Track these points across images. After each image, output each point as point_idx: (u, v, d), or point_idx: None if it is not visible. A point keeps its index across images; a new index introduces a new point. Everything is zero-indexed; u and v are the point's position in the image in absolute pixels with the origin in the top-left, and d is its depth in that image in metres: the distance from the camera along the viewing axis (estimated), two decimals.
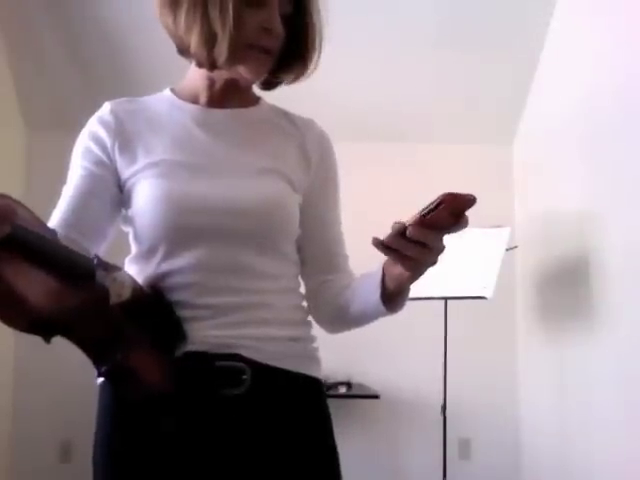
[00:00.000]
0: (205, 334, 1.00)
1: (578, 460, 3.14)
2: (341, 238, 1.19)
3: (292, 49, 1.08)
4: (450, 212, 0.83)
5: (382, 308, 1.01)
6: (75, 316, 0.82)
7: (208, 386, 0.99)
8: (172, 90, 1.16)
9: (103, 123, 1.07)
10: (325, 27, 1.10)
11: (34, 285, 0.76)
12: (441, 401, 3.16)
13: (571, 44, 3.30)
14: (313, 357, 1.10)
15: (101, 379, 1.03)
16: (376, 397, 3.34)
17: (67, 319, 0.80)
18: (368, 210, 3.85)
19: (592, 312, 3.02)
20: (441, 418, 3.15)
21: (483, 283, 2.92)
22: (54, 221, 1.03)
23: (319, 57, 1.09)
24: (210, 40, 1.00)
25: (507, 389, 3.89)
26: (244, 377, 1.00)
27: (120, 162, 1.05)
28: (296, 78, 1.11)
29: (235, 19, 0.99)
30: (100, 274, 0.86)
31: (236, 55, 1.01)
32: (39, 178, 3.82)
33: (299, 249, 1.13)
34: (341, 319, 1.13)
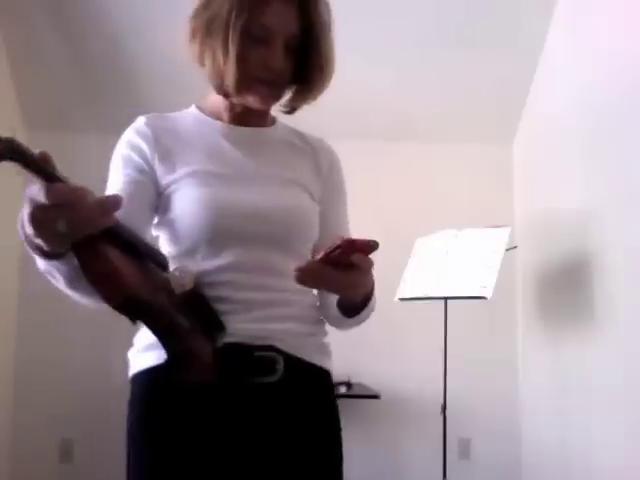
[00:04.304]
0: (241, 327, 1.09)
1: (578, 460, 3.14)
2: None
3: (301, 75, 1.17)
4: (349, 254, 0.90)
5: (340, 315, 1.16)
6: (159, 300, 0.91)
7: (246, 374, 1.08)
8: (197, 107, 1.26)
9: (141, 134, 1.16)
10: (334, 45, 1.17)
11: (128, 269, 0.84)
12: (441, 401, 3.16)
13: (571, 44, 3.30)
14: (326, 351, 1.22)
15: (138, 368, 1.13)
16: (376, 397, 3.34)
17: (152, 301, 0.89)
18: (368, 209, 3.85)
19: (592, 312, 3.02)
20: (441, 418, 3.15)
21: (483, 283, 2.92)
22: None
23: (329, 80, 1.18)
24: (218, 73, 1.12)
25: (507, 389, 3.89)
26: (278, 367, 1.10)
27: (160, 171, 1.14)
28: (305, 100, 1.20)
29: (238, 55, 1.09)
30: (172, 267, 0.96)
31: (243, 87, 1.12)
32: None
33: (313, 252, 1.23)
34: (336, 320, 1.22)
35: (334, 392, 1.24)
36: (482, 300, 2.90)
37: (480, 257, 3.03)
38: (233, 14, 1.08)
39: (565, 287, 3.32)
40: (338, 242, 0.88)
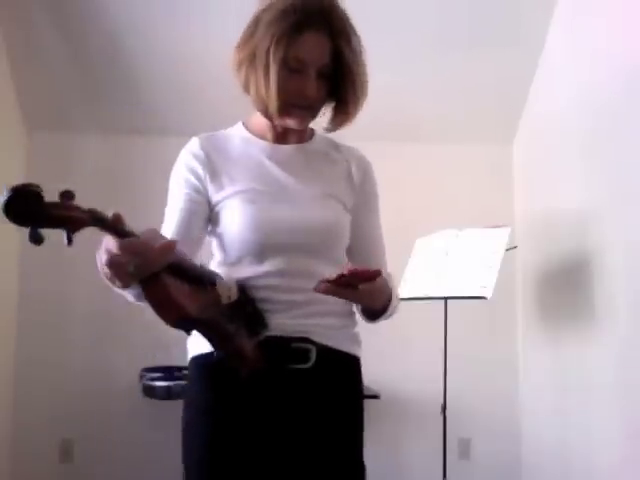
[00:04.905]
0: (282, 322, 1.29)
1: (578, 460, 3.14)
2: (380, 251, 1.49)
3: (337, 97, 1.34)
4: (355, 282, 1.10)
5: (364, 317, 1.38)
6: (209, 313, 1.11)
7: (285, 362, 1.29)
8: (244, 124, 1.42)
9: (196, 157, 1.34)
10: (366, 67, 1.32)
11: (181, 292, 1.04)
12: (441, 401, 3.16)
13: (571, 44, 3.30)
14: (357, 340, 1.41)
15: (195, 354, 1.33)
16: (376, 397, 3.34)
17: (201, 316, 1.08)
18: None
19: (592, 312, 3.02)
20: (441, 418, 3.15)
21: (483, 283, 2.92)
22: (167, 235, 1.27)
23: (363, 100, 1.34)
24: (262, 100, 1.28)
25: (507, 389, 3.89)
26: (310, 355, 1.29)
27: (210, 189, 1.33)
28: (344, 121, 1.38)
29: (278, 84, 1.24)
30: (219, 282, 1.17)
31: (282, 111, 1.28)
32: (39, 178, 3.81)
33: (349, 254, 1.42)
34: (364, 315, 1.42)
35: (360, 374, 1.41)
36: (482, 300, 2.89)
37: (480, 257, 3.03)
38: (272, 48, 1.23)
39: (565, 287, 3.32)
40: (344, 272, 1.06)
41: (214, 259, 1.38)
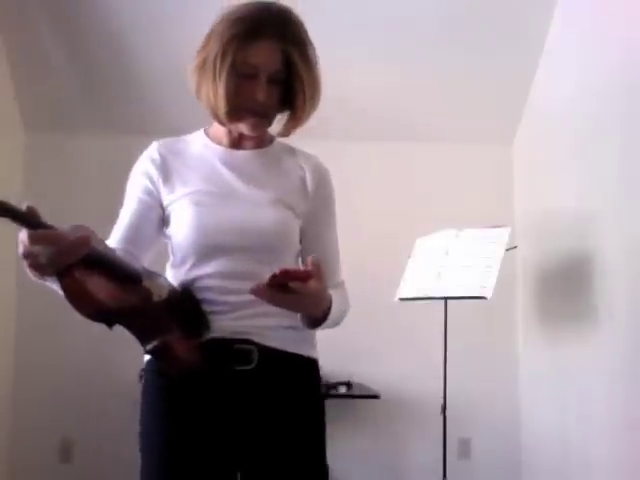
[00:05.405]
0: (226, 324, 1.30)
1: (577, 460, 3.14)
2: (334, 258, 1.45)
3: (289, 103, 1.35)
4: (286, 281, 1.09)
5: (304, 323, 1.30)
6: (128, 309, 1.11)
7: (227, 363, 1.29)
8: (205, 131, 1.45)
9: (152, 161, 1.38)
10: (320, 78, 1.34)
11: (100, 287, 1.05)
12: (441, 401, 3.16)
13: (571, 45, 3.30)
14: (308, 341, 1.39)
15: (147, 358, 1.34)
16: (376, 397, 3.34)
17: (121, 311, 1.10)
18: (368, 209, 3.85)
19: (592, 311, 3.02)
20: (441, 418, 3.15)
21: (483, 283, 2.92)
22: (116, 236, 1.34)
23: (314, 106, 1.35)
24: (210, 105, 1.31)
25: (507, 389, 3.89)
26: (252, 356, 1.30)
27: (163, 192, 1.36)
28: (295, 125, 1.38)
29: (227, 89, 1.28)
30: (145, 280, 1.17)
31: (233, 116, 1.32)
32: (38, 179, 3.82)
33: (302, 260, 1.40)
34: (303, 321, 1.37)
35: (315, 376, 1.40)
36: (482, 300, 2.89)
37: (480, 257, 3.03)
38: (220, 55, 1.26)
39: (565, 287, 3.32)
40: (276, 271, 1.08)
41: (169, 261, 1.40)
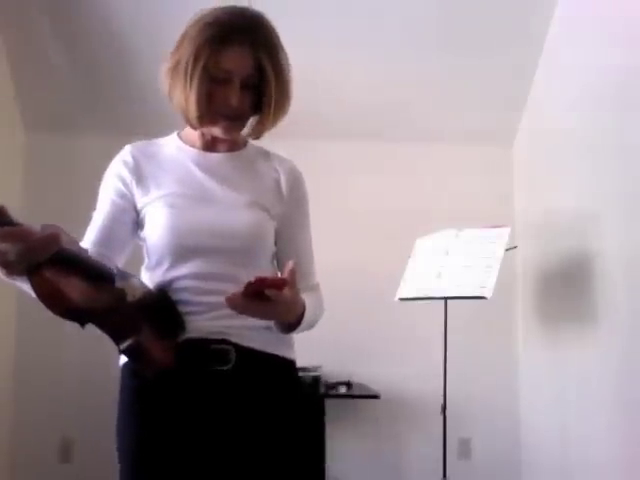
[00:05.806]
0: (202, 324, 1.30)
1: (577, 460, 3.14)
2: (308, 259, 1.46)
3: (260, 106, 1.35)
4: (262, 289, 1.09)
5: (277, 328, 1.30)
6: (100, 309, 1.12)
7: (204, 364, 1.30)
8: (178, 134, 1.46)
9: (125, 164, 1.38)
10: (290, 83, 1.35)
11: (71, 286, 1.06)
12: (441, 401, 3.16)
13: (571, 45, 3.30)
14: (285, 342, 1.38)
15: (122, 361, 1.34)
16: (376, 397, 3.34)
17: (93, 310, 1.11)
18: (368, 209, 3.85)
19: (592, 312, 3.02)
20: (441, 418, 3.15)
21: (483, 283, 2.92)
22: (89, 238, 1.34)
23: (284, 110, 1.36)
24: (181, 108, 1.32)
25: (507, 389, 3.89)
26: (230, 357, 1.30)
27: (137, 194, 1.36)
28: (265, 128, 1.37)
29: (198, 93, 1.28)
30: (118, 280, 1.16)
31: (205, 120, 1.32)
32: (37, 179, 3.82)
33: (277, 262, 1.43)
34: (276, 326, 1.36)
35: (293, 376, 1.42)
36: (482, 300, 2.89)
37: (480, 257, 3.03)
38: (192, 60, 1.27)
39: (565, 287, 3.32)
40: (252, 279, 1.07)
41: (143, 264, 1.40)
